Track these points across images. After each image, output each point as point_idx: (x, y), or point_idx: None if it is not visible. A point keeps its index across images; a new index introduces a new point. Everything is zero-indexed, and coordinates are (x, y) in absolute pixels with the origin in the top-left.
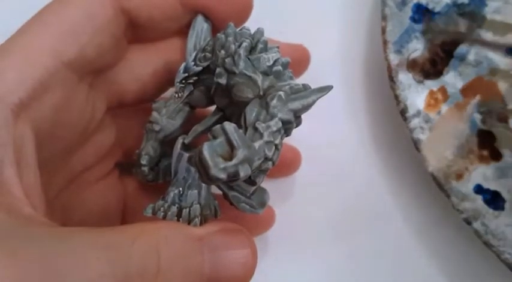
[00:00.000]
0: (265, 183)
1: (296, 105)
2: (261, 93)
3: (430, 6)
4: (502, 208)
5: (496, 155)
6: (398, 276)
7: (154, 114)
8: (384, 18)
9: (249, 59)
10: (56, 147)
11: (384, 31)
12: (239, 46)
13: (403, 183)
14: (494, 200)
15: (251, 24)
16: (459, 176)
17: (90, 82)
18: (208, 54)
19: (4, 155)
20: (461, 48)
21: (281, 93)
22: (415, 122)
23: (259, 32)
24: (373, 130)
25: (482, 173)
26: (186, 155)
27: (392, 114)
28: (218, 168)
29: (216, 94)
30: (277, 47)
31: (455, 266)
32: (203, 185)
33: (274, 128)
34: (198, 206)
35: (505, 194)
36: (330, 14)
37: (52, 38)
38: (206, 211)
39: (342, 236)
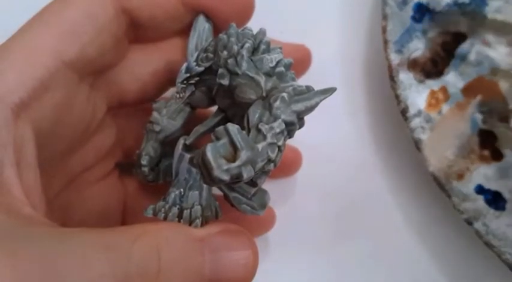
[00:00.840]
0: (266, 184)
1: (299, 106)
2: (264, 94)
3: (431, 6)
4: (503, 208)
5: (497, 155)
6: (398, 276)
7: (155, 114)
8: (385, 17)
9: (251, 60)
10: (56, 147)
11: (384, 30)
12: (241, 47)
13: (404, 183)
14: (495, 200)
15: (251, 24)
16: (460, 176)
17: (91, 82)
18: (211, 55)
19: (4, 155)
20: (462, 48)
21: (284, 94)
22: (415, 122)
23: (262, 32)
24: (374, 130)
25: (483, 173)
26: (188, 156)
27: (393, 114)
28: (221, 169)
29: (217, 95)
30: (280, 48)
31: (455, 266)
32: (204, 186)
33: (278, 130)
34: (199, 207)
35: (506, 194)
36: (330, 13)
37: (52, 38)
38: (207, 212)
39: (342, 236)
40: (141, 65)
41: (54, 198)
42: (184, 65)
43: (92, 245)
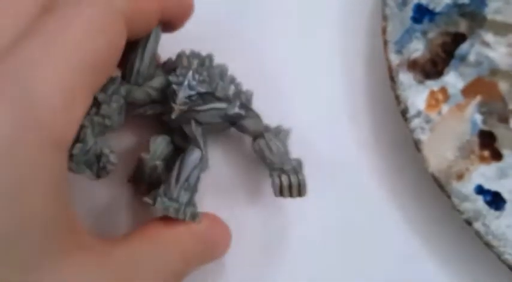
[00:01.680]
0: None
1: None
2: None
3: (431, 7)
4: (502, 209)
5: (497, 156)
6: (398, 276)
7: (106, 107)
8: (385, 18)
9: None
10: None
11: (384, 31)
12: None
13: (404, 184)
14: (495, 200)
15: (251, 25)
16: (460, 177)
17: None
18: (207, 78)
19: (66, 190)
20: (462, 49)
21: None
22: (415, 123)
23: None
24: (374, 130)
25: (483, 174)
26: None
27: (392, 115)
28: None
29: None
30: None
31: (455, 267)
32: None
33: None
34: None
35: (506, 195)
36: (330, 14)
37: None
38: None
39: (341, 236)
40: None
41: None
42: (186, 82)
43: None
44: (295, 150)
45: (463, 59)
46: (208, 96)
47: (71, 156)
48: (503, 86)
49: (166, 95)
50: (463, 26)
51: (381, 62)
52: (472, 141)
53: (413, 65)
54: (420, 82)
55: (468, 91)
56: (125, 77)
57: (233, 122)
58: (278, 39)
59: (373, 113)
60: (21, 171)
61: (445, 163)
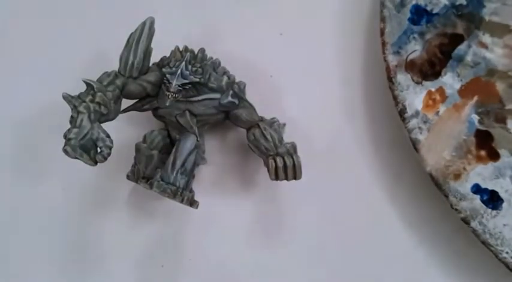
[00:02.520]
0: (269, 184)
1: None
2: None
3: (429, 8)
4: (499, 208)
5: (493, 155)
6: (396, 275)
7: (102, 95)
8: (383, 19)
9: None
10: None
11: (382, 32)
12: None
13: (402, 183)
14: (492, 199)
15: (251, 26)
16: (457, 176)
17: None
18: (200, 70)
19: None
20: (459, 50)
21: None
22: (413, 123)
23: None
24: (372, 130)
25: (480, 173)
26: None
27: (391, 115)
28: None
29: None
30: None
31: (453, 265)
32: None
33: None
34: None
35: (502, 194)
36: (329, 15)
37: None
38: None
39: (340, 235)
40: None
41: None
42: (179, 72)
43: None
44: None
45: (460, 59)
46: (201, 87)
47: (68, 141)
48: (500, 86)
49: (162, 89)
50: (460, 27)
51: (379, 62)
52: (469, 141)
53: (411, 66)
54: (418, 83)
55: (465, 91)
56: (120, 71)
57: (227, 112)
58: (278, 39)
59: (371, 113)
60: None
61: (442, 163)
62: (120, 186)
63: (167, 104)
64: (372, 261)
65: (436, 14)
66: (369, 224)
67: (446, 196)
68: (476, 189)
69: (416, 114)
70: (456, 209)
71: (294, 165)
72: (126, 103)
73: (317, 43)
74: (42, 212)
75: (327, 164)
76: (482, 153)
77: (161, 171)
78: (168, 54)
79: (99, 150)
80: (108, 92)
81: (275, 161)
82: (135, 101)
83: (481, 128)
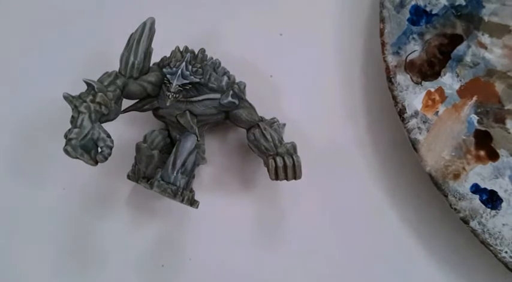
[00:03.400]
0: (269, 185)
1: None
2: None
3: (428, 9)
4: (499, 207)
5: (492, 155)
6: (395, 275)
7: (103, 95)
8: (382, 20)
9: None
10: None
11: (382, 33)
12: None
13: (401, 183)
14: (491, 199)
15: (252, 27)
16: (456, 176)
17: None
18: (200, 70)
19: None
20: (459, 50)
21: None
22: (412, 123)
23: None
24: (372, 130)
25: (479, 173)
26: (196, 150)
27: (390, 115)
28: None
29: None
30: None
31: (452, 265)
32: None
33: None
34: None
35: (501, 194)
36: (329, 16)
37: None
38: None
39: (340, 235)
40: None
41: None
42: (179, 72)
43: None
44: None
45: (459, 60)
46: (201, 87)
47: (68, 141)
48: (499, 86)
49: (163, 90)
50: (459, 28)
51: (378, 63)
52: (469, 141)
53: (410, 66)
54: (417, 83)
55: (465, 92)
56: (121, 71)
57: (227, 112)
58: (278, 39)
59: (371, 113)
60: None
61: (441, 163)
62: (121, 186)
63: (168, 104)
64: (371, 261)
65: (436, 14)
66: (368, 224)
67: (446, 196)
68: (476, 189)
69: (416, 114)
70: (455, 209)
71: (294, 165)
72: (126, 103)
73: (317, 43)
74: (42, 212)
75: (327, 164)
76: (482, 153)
77: (161, 171)
78: (168, 55)
79: (99, 150)
80: (109, 92)
81: (275, 161)
82: (135, 101)
83: (480, 128)
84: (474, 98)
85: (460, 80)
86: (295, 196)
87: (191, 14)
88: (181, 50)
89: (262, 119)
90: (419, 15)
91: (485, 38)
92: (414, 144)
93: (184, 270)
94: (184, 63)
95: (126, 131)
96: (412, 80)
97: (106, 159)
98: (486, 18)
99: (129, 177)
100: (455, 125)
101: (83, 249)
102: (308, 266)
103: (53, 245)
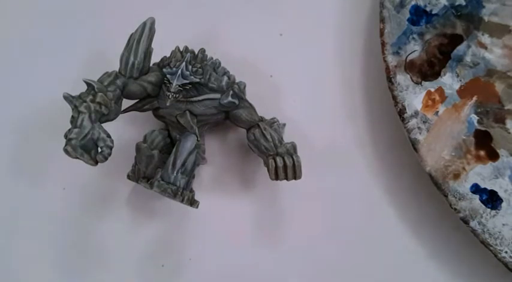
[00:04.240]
0: (269, 185)
1: None
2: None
3: (428, 8)
4: (499, 207)
5: (492, 155)
6: (395, 275)
7: (103, 96)
8: (382, 20)
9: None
10: None
11: (382, 33)
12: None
13: (401, 183)
14: (491, 199)
15: (252, 27)
16: (456, 176)
17: None
18: (200, 70)
19: None
20: (459, 50)
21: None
22: (412, 123)
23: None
24: (372, 130)
25: (479, 173)
26: (196, 150)
27: (390, 115)
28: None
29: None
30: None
31: (452, 265)
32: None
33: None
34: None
35: (501, 194)
36: (329, 16)
37: None
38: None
39: (340, 235)
40: None
41: None
42: (179, 72)
43: None
44: None
45: (459, 60)
46: (201, 88)
47: (68, 141)
48: (499, 86)
49: (163, 90)
50: (459, 28)
51: (378, 63)
52: (469, 141)
53: (410, 66)
54: (417, 83)
55: (465, 92)
56: (121, 71)
57: (227, 112)
58: (278, 39)
59: (371, 113)
60: None
61: (441, 162)
62: (120, 186)
63: (168, 104)
64: (371, 261)
65: (436, 14)
66: (368, 224)
67: (446, 196)
68: (476, 189)
69: (416, 114)
70: (455, 209)
71: (294, 165)
72: (126, 103)
73: (317, 43)
74: (42, 212)
75: (327, 164)
76: (482, 153)
77: (161, 171)
78: (168, 55)
79: (99, 150)
80: (109, 92)
81: (275, 161)
82: (135, 101)
83: (480, 128)
84: (474, 98)
85: (460, 80)
86: (295, 196)
87: (191, 14)
88: (181, 50)
89: (262, 119)
90: (419, 15)
91: (485, 38)
92: (414, 144)
93: (184, 270)
94: (184, 63)
95: (126, 131)
96: (412, 80)
97: (106, 159)
98: (486, 18)
99: (129, 177)
100: (455, 125)
101: (83, 249)
102: (308, 265)
103: (53, 245)
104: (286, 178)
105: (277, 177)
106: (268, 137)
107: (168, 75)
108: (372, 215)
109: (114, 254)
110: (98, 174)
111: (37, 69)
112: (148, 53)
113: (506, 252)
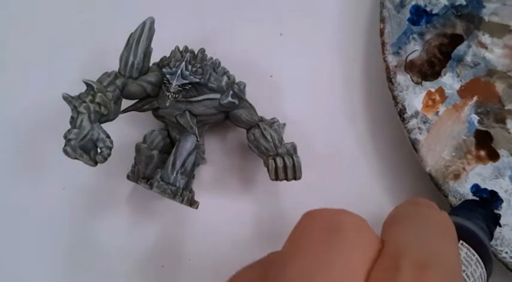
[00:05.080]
0: (269, 185)
1: None
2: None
3: (428, 8)
4: (499, 208)
5: (493, 155)
6: None
7: (102, 96)
8: (382, 20)
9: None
10: None
11: (382, 33)
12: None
13: (401, 183)
14: (491, 199)
15: (252, 27)
16: (457, 176)
17: None
18: (200, 70)
19: None
20: (459, 50)
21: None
22: (413, 123)
23: (200, 50)
24: (372, 131)
25: (479, 173)
26: (195, 150)
27: (390, 115)
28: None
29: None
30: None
31: None
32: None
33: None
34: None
35: (502, 194)
36: (329, 16)
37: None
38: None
39: None
40: None
41: None
42: (179, 72)
43: None
44: None
45: (460, 60)
46: (201, 88)
47: (68, 141)
48: (499, 86)
49: (162, 90)
50: (460, 28)
51: (378, 63)
52: (469, 141)
53: (410, 66)
54: (417, 83)
55: (465, 92)
56: (121, 71)
57: (227, 112)
58: (278, 39)
59: (371, 114)
60: None
61: (442, 163)
62: (120, 186)
63: (167, 104)
64: None
65: (436, 14)
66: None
67: (446, 196)
68: (476, 189)
69: (416, 114)
70: None
71: (294, 165)
72: (126, 103)
73: (317, 43)
74: (42, 212)
75: (327, 164)
76: (482, 153)
77: (161, 171)
78: (168, 55)
79: (99, 150)
80: (108, 92)
81: (275, 161)
82: (135, 101)
83: (481, 128)
84: (474, 98)
85: (461, 80)
86: (295, 196)
87: (191, 14)
88: (181, 50)
89: (262, 119)
90: (419, 15)
91: (486, 38)
92: (414, 144)
93: (184, 270)
94: (184, 63)
95: (126, 131)
96: (412, 80)
97: (105, 159)
98: (486, 18)
99: (128, 177)
100: (455, 125)
101: (83, 249)
102: None
103: (53, 245)
104: (286, 178)
105: (277, 178)
106: (268, 137)
107: (167, 75)
108: (371, 215)
109: (114, 254)
110: (98, 175)
111: (37, 69)
112: (147, 53)
113: (506, 252)
